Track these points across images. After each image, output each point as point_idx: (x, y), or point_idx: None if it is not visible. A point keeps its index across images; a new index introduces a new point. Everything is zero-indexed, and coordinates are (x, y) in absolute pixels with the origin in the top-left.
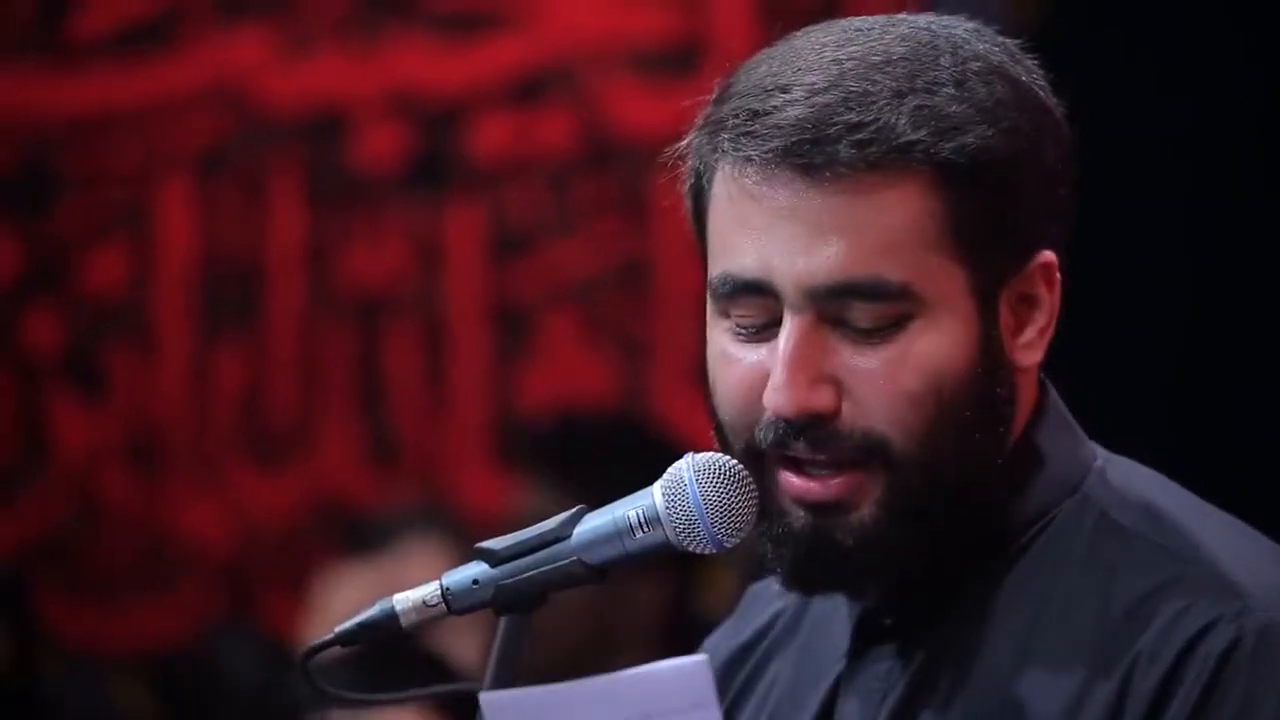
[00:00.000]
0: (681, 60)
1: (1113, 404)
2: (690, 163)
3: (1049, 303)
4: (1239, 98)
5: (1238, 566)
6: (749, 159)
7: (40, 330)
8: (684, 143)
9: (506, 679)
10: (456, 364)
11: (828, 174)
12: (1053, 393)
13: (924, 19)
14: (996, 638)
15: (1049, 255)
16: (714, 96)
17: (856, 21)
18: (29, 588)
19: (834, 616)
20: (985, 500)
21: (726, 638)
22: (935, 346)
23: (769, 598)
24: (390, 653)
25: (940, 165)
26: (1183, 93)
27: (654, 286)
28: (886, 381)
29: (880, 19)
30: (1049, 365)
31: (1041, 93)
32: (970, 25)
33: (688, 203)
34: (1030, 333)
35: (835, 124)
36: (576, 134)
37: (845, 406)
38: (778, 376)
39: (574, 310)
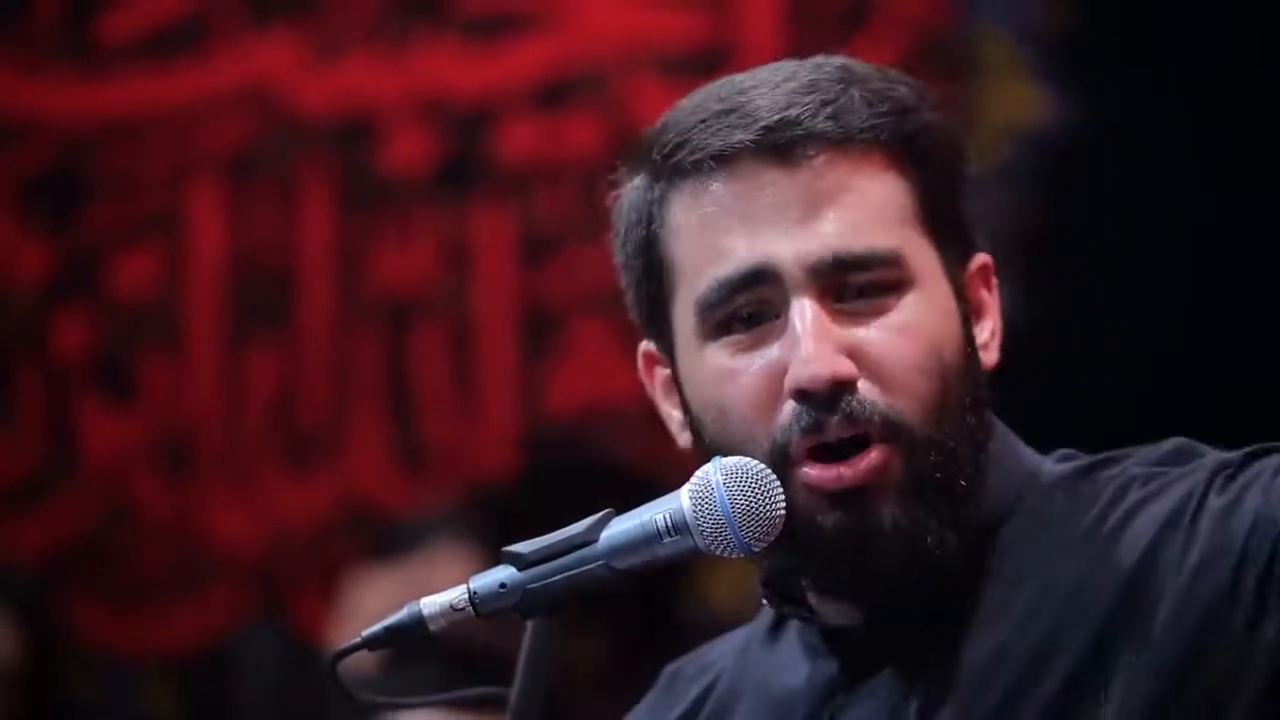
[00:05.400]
0: (709, 64)
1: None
2: (627, 221)
3: (992, 306)
4: (1269, 102)
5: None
6: (722, 156)
7: (70, 334)
8: (617, 204)
9: (535, 684)
10: (485, 368)
11: (810, 150)
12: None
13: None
14: (995, 625)
15: (986, 257)
16: (639, 148)
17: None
18: (58, 592)
19: (784, 670)
20: (979, 487)
21: (653, 716)
22: (930, 318)
23: (690, 676)
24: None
25: (905, 141)
26: (1211, 97)
27: None
28: (894, 350)
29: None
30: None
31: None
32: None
33: (633, 264)
34: (983, 335)
35: (806, 103)
36: (604, 138)
37: (862, 379)
38: (804, 350)
39: (602, 315)
